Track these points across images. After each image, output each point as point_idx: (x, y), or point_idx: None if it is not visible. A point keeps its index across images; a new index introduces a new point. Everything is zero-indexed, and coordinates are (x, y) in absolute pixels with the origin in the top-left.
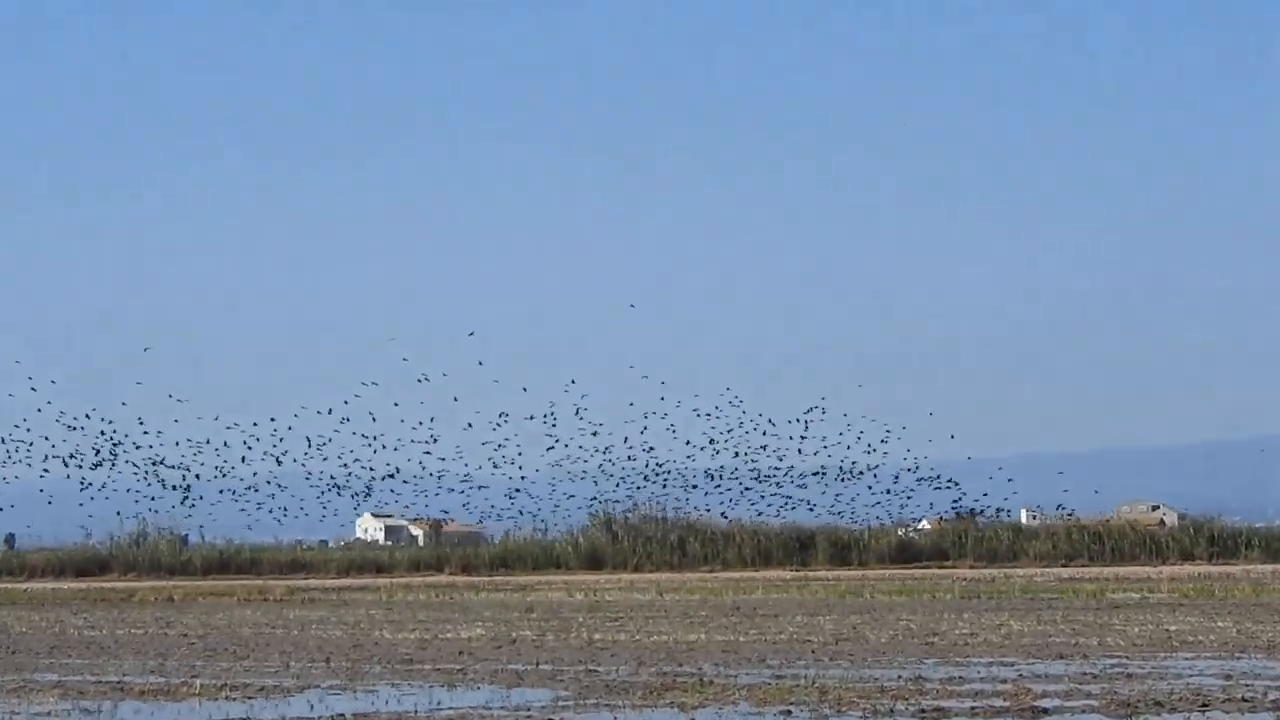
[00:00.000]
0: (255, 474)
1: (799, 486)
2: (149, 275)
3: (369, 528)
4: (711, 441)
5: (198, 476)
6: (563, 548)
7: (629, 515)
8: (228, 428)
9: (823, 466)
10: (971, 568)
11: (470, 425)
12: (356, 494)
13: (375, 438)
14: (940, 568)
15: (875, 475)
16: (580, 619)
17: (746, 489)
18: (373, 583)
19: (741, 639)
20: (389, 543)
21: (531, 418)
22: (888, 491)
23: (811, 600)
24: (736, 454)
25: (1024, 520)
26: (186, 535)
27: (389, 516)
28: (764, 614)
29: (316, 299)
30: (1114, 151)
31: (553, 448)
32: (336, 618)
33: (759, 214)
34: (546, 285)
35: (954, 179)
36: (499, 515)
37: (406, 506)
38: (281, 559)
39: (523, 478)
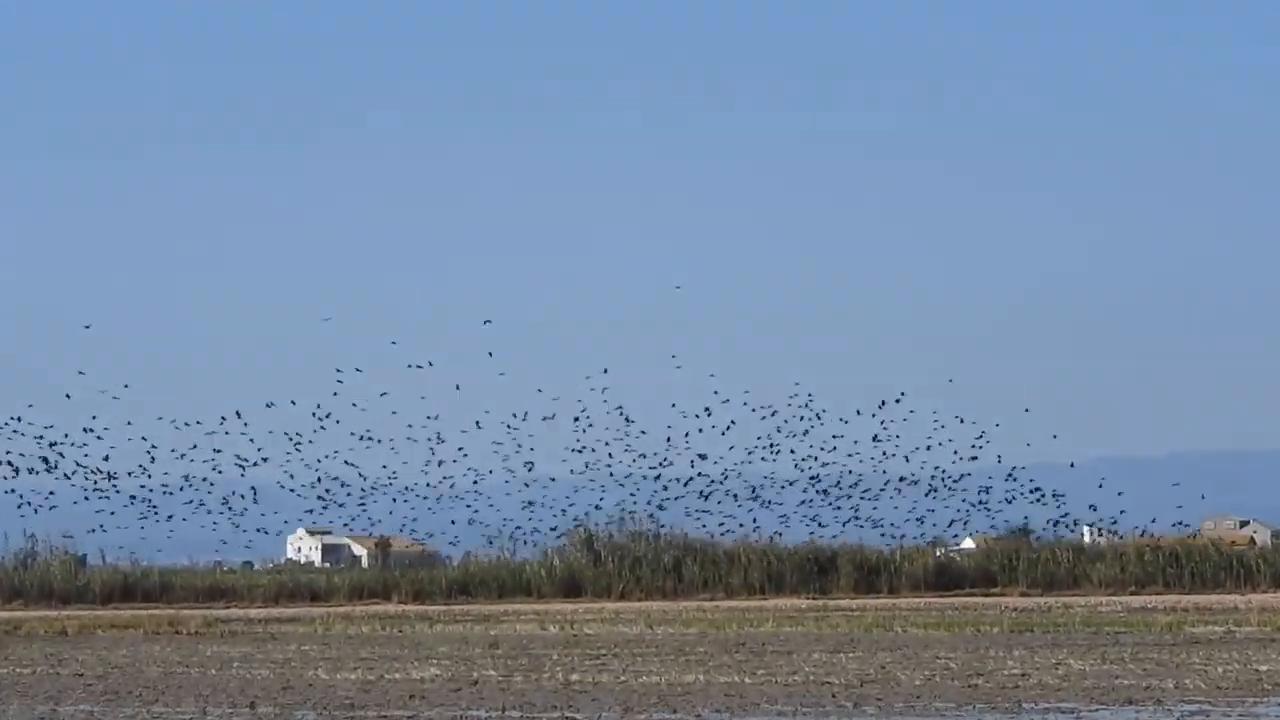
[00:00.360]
0: (169, 475)
1: (865, 498)
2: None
3: (302, 546)
4: (771, 446)
5: (112, 478)
6: (534, 571)
7: (613, 532)
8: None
9: (911, 474)
10: (1024, 595)
11: (479, 425)
12: (344, 504)
13: (366, 437)
14: (986, 595)
15: (952, 484)
16: (554, 656)
17: (803, 502)
18: (306, 612)
19: (747, 681)
20: (326, 564)
21: (551, 416)
22: (980, 503)
23: (831, 634)
24: (797, 462)
25: (1087, 538)
26: (85, 555)
27: (326, 533)
28: (775, 651)
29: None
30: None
31: (579, 450)
32: (263, 655)
33: (828, 176)
34: (571, 262)
35: (1035, 160)
36: (499, 529)
37: (351, 519)
38: (197, 584)
39: (525, 485)
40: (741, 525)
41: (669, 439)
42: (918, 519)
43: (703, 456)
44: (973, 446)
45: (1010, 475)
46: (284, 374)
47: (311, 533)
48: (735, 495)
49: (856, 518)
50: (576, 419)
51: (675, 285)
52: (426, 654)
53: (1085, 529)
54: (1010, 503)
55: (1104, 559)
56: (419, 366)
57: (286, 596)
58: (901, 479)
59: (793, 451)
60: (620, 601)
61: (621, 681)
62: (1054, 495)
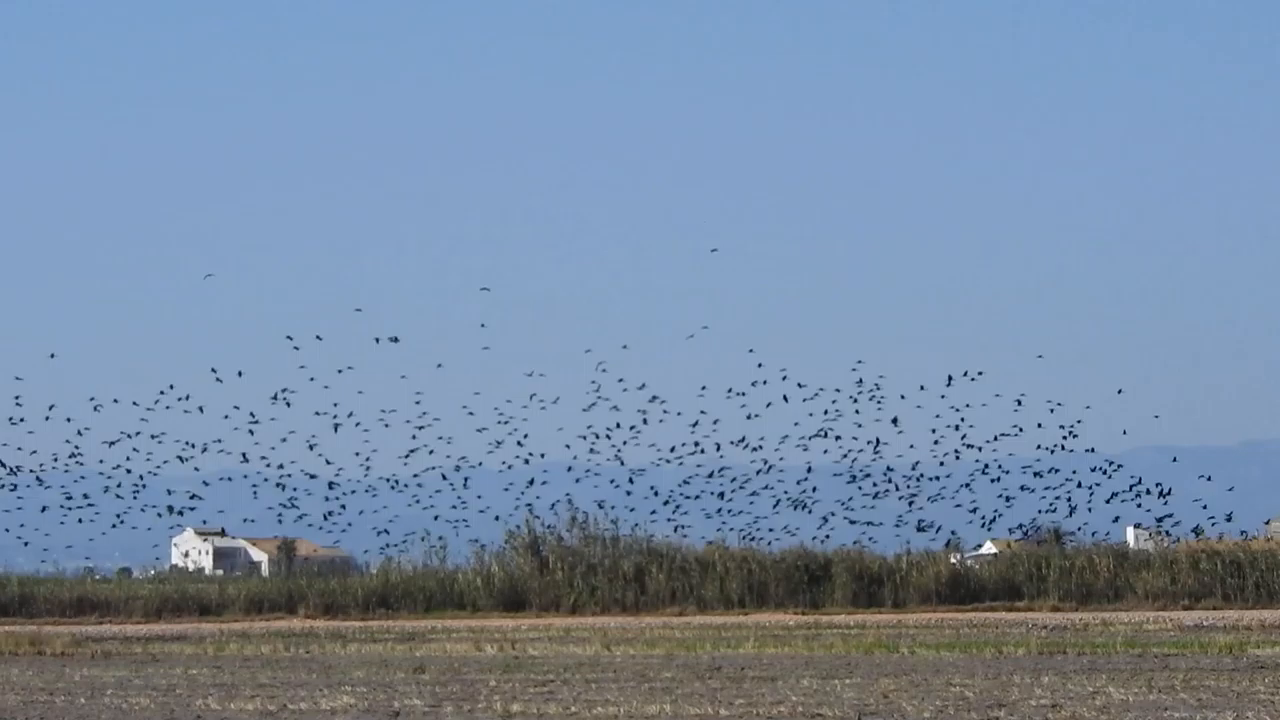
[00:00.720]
0: (43, 467)
1: (932, 497)
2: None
3: (191, 550)
4: (823, 433)
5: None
6: (468, 580)
7: (562, 534)
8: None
9: (984, 467)
10: (1055, 610)
11: (469, 410)
12: (298, 500)
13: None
14: (1010, 610)
15: (1044, 475)
16: (492, 683)
17: (845, 501)
18: (195, 629)
19: (723, 713)
20: (219, 571)
21: (552, 403)
22: (1062, 499)
23: (825, 656)
24: (846, 453)
25: (1131, 542)
26: None
27: (218, 534)
28: (756, 676)
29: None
30: None
31: (586, 437)
32: (142, 680)
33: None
34: (586, 222)
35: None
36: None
37: (249, 519)
38: (64, 595)
39: (526, 483)
40: (770, 530)
41: (696, 423)
42: (985, 520)
43: (740, 444)
44: (1062, 433)
45: (1106, 468)
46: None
47: (201, 534)
48: (770, 490)
49: (920, 525)
50: (593, 404)
51: (711, 248)
52: (339, 679)
53: (1130, 530)
54: (1108, 502)
55: (1151, 567)
56: (392, 340)
57: (171, 610)
58: (973, 474)
59: (838, 438)
60: (571, 617)
61: (572, 713)
62: (1158, 491)
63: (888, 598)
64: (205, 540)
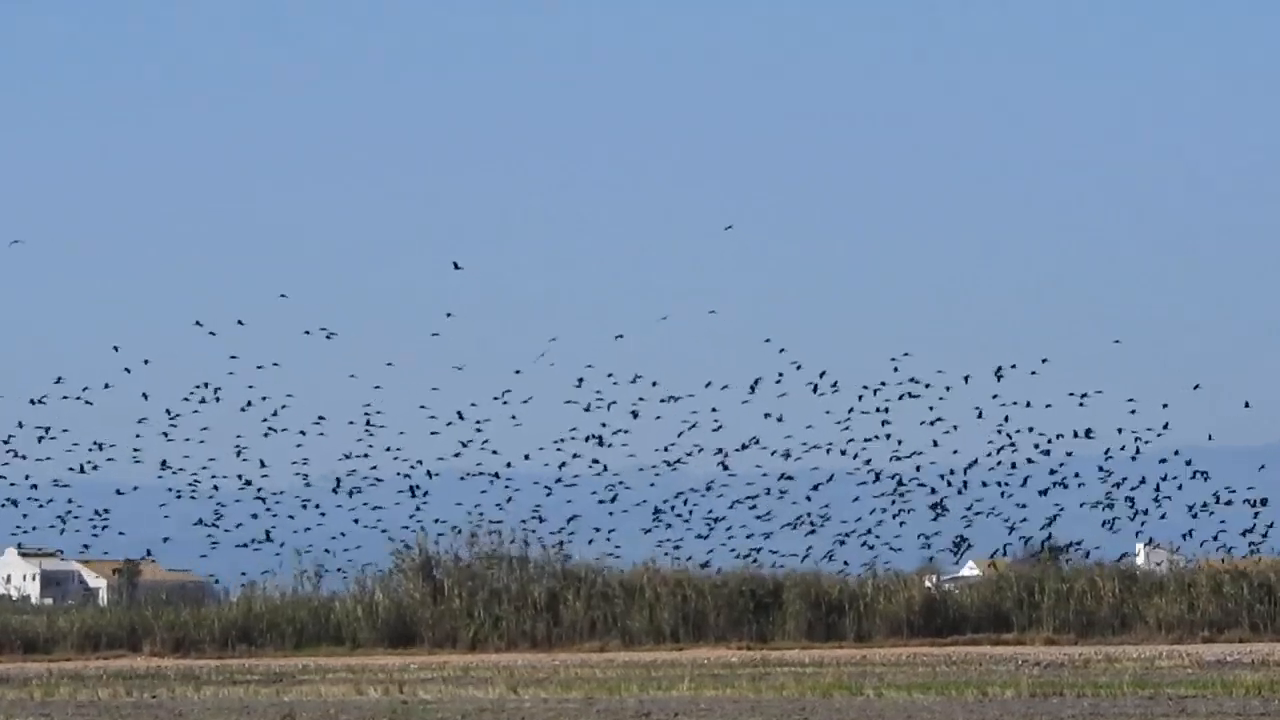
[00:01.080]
0: None
1: (983, 511)
2: None
3: (13, 573)
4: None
5: None
6: (347, 610)
7: (460, 555)
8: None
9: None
10: (1050, 643)
11: (429, 411)
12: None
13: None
14: (996, 644)
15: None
16: None
17: (877, 511)
18: (19, 669)
19: None
20: (47, 600)
21: (522, 404)
22: (1139, 511)
23: (775, 700)
24: (870, 457)
25: (1141, 562)
26: None
27: (47, 554)
28: None
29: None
30: None
31: (560, 443)
32: None
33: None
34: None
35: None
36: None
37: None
38: None
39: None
40: (774, 552)
41: (696, 422)
42: (1042, 534)
43: (749, 446)
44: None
45: (1190, 473)
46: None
47: (26, 555)
48: (783, 494)
49: (958, 542)
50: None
51: (725, 226)
52: None
53: (1140, 546)
54: (1197, 516)
55: (1164, 591)
56: (327, 335)
57: None
58: (1027, 478)
59: (864, 442)
60: (471, 654)
61: None
62: (1256, 502)
63: (850, 629)
64: (30, 561)
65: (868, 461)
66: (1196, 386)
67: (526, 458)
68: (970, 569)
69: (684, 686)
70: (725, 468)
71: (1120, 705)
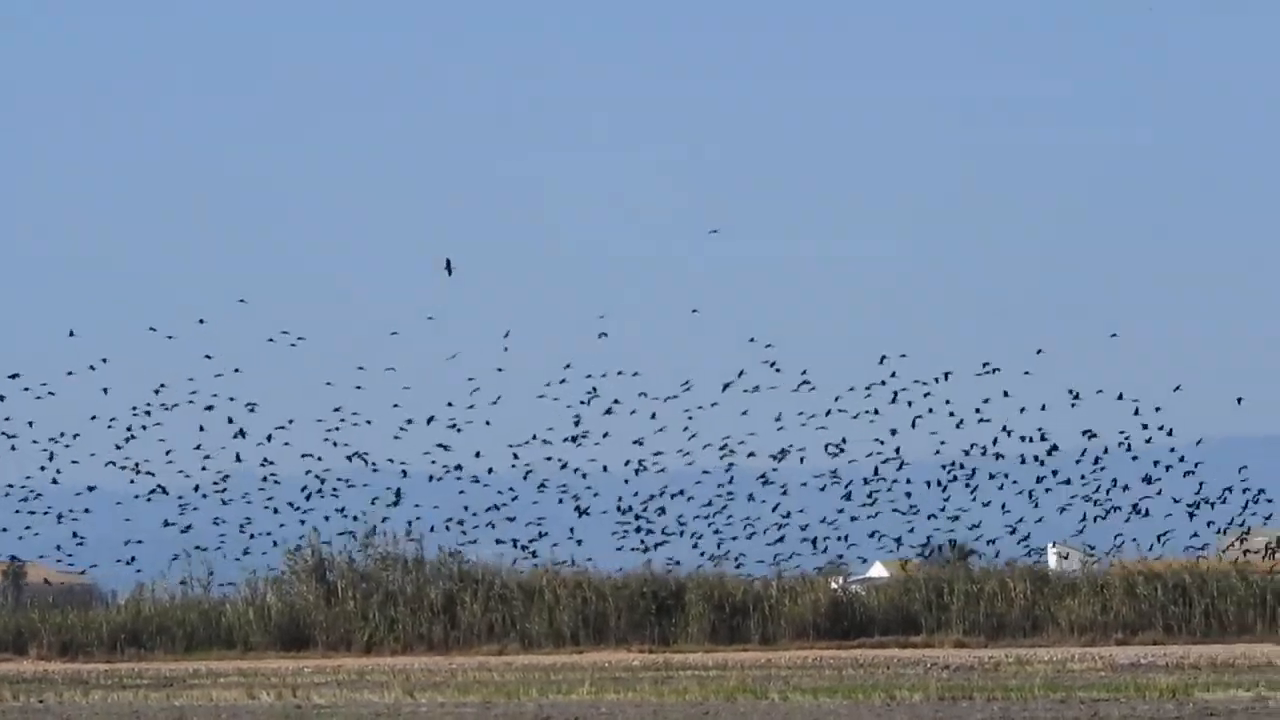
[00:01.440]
0: None
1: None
2: None
3: None
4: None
5: None
6: (238, 613)
7: (354, 556)
8: None
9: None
10: (960, 646)
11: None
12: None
13: None
14: (905, 646)
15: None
16: None
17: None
18: None
19: None
20: None
21: (491, 404)
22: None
23: (677, 704)
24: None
25: (1052, 563)
26: None
27: None
28: None
29: None
30: None
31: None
32: None
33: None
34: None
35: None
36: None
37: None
38: None
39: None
40: (743, 555)
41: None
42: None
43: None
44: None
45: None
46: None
47: None
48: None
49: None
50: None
51: (710, 229)
52: None
53: (1050, 549)
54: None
55: (1077, 593)
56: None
57: None
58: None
59: (831, 444)
60: (366, 657)
61: None
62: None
63: (754, 632)
64: None
65: (834, 472)
66: (1178, 388)
67: (513, 463)
68: (879, 570)
69: (584, 690)
70: (700, 468)
71: (1031, 709)
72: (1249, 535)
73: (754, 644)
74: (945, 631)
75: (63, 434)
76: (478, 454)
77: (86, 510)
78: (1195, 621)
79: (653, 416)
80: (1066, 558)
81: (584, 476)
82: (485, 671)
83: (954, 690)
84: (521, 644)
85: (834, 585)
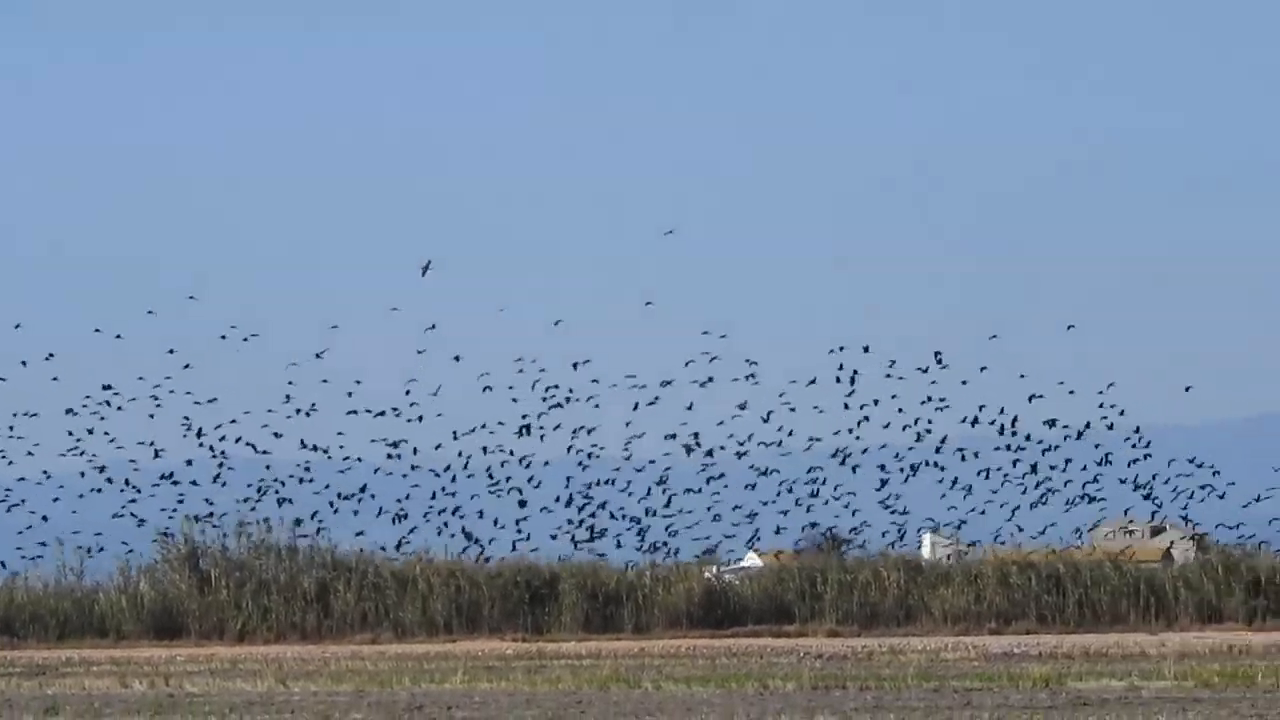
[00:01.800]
0: None
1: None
2: None
3: None
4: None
5: None
6: (111, 601)
7: (227, 543)
8: None
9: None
10: (833, 635)
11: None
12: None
13: None
14: (778, 636)
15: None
16: None
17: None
18: None
19: None
20: None
21: (432, 395)
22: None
23: (551, 693)
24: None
25: (926, 552)
26: None
27: None
28: (466, 718)
29: None
30: None
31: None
32: None
33: None
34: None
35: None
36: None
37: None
38: None
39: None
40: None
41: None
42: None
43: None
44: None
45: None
46: None
47: None
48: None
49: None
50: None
51: (666, 230)
52: None
53: (926, 538)
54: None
55: (950, 582)
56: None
57: None
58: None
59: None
60: (239, 645)
61: None
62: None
63: (628, 621)
64: None
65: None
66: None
67: (464, 454)
68: (752, 559)
69: (457, 679)
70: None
71: (904, 698)
72: (1099, 525)
73: (627, 633)
74: (819, 621)
75: None
76: (438, 446)
77: None
78: (1069, 611)
79: (596, 406)
80: (944, 546)
81: (527, 466)
82: (358, 660)
83: (827, 679)
84: (395, 633)
85: (708, 574)
